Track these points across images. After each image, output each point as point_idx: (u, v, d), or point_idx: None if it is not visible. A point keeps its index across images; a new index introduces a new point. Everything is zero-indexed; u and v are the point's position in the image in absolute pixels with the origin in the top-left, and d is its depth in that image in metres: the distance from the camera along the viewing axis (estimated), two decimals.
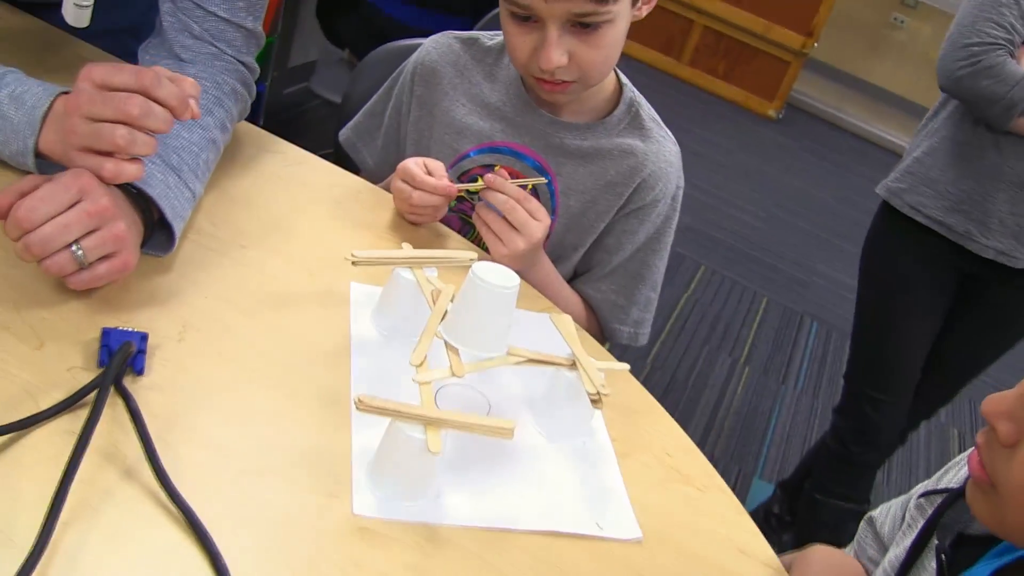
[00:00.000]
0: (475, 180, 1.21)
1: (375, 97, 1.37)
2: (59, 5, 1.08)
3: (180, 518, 0.69)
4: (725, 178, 4.34)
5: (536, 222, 1.10)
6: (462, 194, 1.15)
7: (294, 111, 3.29)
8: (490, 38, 1.29)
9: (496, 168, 1.16)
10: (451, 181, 1.14)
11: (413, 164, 1.13)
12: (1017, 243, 1.73)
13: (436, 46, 1.30)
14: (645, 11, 1.15)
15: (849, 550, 1.03)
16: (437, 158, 1.18)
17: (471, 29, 2.45)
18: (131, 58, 1.32)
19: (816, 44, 5.22)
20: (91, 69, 0.82)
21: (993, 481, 0.70)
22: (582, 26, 1.07)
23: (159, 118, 0.81)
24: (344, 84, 2.62)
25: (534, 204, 1.11)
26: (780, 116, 5.38)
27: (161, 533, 0.68)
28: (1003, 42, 1.58)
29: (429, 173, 1.13)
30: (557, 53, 1.07)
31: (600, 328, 1.30)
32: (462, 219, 1.29)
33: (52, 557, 0.63)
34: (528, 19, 1.08)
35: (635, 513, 0.87)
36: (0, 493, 0.66)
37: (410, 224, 1.18)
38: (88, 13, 1.09)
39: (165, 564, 0.66)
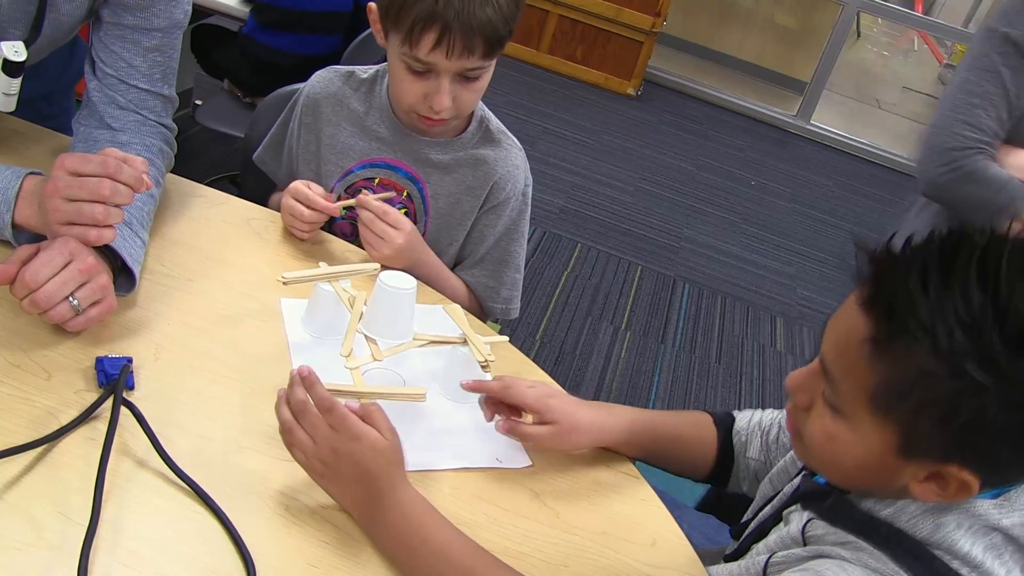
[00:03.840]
0: (359, 192, 1.46)
1: (276, 125, 1.60)
2: None
3: (187, 490, 0.93)
4: (592, 158, 4.65)
5: (395, 230, 1.36)
6: (343, 212, 1.40)
7: (179, 137, 3.43)
8: (364, 72, 1.53)
9: (363, 191, 1.41)
10: (335, 198, 1.40)
11: (303, 185, 1.38)
12: None
13: (320, 81, 1.53)
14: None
15: None
16: (326, 176, 1.45)
17: (344, 48, 2.66)
18: (45, 121, 1.52)
19: (665, 22, 5.58)
20: (64, 160, 1.03)
21: (800, 434, 0.94)
22: (465, 77, 1.34)
23: (124, 195, 1.04)
24: (229, 114, 2.81)
25: (393, 217, 1.37)
26: (638, 93, 5.71)
27: (175, 502, 0.92)
28: (982, 145, 1.51)
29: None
30: (448, 99, 1.33)
31: (479, 306, 1.57)
32: (352, 224, 1.53)
33: (102, 524, 0.86)
34: (422, 72, 1.33)
35: (524, 447, 1.14)
36: (52, 485, 0.89)
37: (297, 238, 1.41)
38: (15, 99, 1.29)
39: (181, 522, 0.90)
